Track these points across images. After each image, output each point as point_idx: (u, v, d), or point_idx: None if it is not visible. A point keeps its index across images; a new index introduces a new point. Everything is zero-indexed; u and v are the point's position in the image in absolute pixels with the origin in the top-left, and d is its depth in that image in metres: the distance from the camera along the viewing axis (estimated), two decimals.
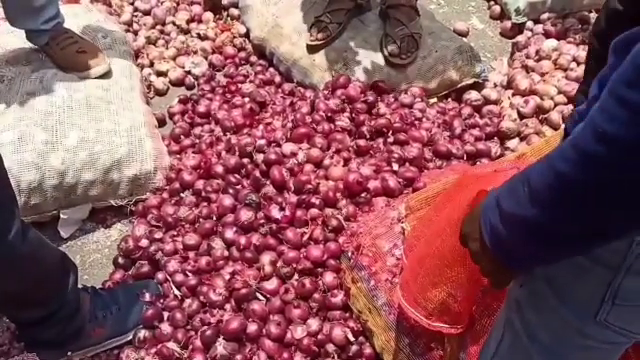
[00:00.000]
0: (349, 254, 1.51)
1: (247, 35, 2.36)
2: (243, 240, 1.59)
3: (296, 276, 1.55)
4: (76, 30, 2.00)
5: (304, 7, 2.20)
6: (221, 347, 1.44)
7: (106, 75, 1.94)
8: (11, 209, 1.23)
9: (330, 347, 1.47)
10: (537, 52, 2.13)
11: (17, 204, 1.27)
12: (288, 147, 1.73)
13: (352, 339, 1.48)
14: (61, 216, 1.79)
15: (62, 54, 1.91)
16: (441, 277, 1.21)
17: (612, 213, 0.57)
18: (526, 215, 0.64)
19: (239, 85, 2.14)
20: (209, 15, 2.42)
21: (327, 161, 1.72)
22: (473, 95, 2.06)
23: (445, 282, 1.21)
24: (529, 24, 2.31)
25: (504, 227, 0.68)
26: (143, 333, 1.52)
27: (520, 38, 2.26)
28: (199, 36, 2.35)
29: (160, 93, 2.21)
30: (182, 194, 1.78)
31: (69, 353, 1.47)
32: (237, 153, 1.77)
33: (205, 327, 1.48)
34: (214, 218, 1.67)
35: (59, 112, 1.77)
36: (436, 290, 1.23)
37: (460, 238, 0.83)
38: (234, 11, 2.44)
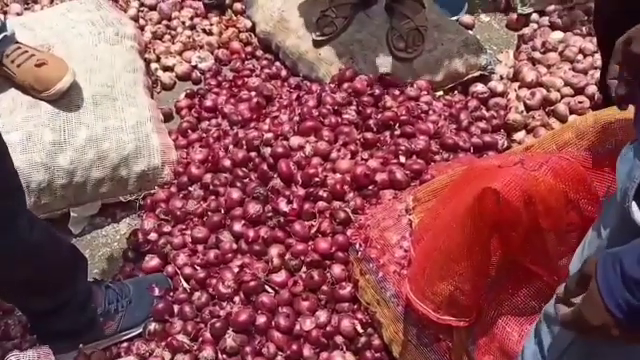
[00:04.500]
0: (357, 246, 1.51)
1: (253, 29, 2.36)
2: (251, 233, 1.61)
3: (304, 268, 1.56)
4: (87, 24, 1.99)
5: (309, 1, 2.20)
6: (230, 339, 1.46)
7: (70, 89, 1.75)
8: (18, 198, 1.24)
9: (339, 339, 1.48)
10: (543, 44, 2.12)
11: (24, 193, 1.28)
12: (295, 140, 1.74)
13: (361, 331, 1.49)
14: (71, 214, 1.80)
15: (20, 72, 1.72)
16: (448, 271, 1.22)
17: None
18: None
19: (245, 79, 2.14)
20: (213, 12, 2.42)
21: (334, 154, 1.72)
22: (479, 88, 2.06)
23: (452, 276, 1.22)
24: (535, 16, 2.30)
25: None
26: (153, 326, 1.53)
27: (526, 30, 2.25)
28: (204, 31, 2.35)
29: (167, 88, 2.22)
30: (190, 188, 1.79)
31: (81, 346, 1.48)
32: (244, 147, 1.78)
33: (214, 319, 1.49)
34: (222, 211, 1.68)
35: (66, 112, 1.77)
36: (443, 284, 1.23)
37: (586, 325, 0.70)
38: (238, 5, 2.44)
